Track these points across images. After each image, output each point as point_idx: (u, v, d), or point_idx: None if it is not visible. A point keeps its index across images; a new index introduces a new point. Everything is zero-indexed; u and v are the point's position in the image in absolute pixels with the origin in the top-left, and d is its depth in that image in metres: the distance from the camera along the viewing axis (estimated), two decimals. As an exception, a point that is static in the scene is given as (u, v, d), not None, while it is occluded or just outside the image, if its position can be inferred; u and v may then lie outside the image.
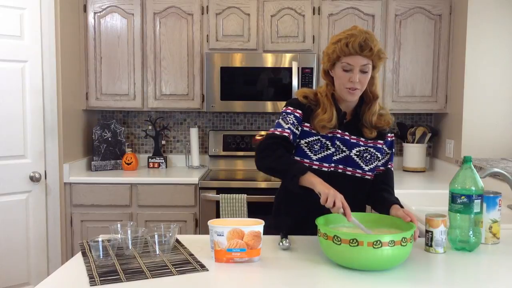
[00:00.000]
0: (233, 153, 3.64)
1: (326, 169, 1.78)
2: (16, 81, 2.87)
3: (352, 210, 1.66)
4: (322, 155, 1.78)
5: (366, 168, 1.80)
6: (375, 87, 1.78)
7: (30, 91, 2.93)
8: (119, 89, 3.40)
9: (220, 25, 3.34)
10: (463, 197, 1.57)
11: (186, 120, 3.76)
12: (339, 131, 1.78)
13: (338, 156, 1.78)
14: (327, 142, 1.78)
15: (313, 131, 1.78)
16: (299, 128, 1.79)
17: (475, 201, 1.57)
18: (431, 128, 3.56)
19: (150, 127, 3.66)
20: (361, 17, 3.31)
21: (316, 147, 1.78)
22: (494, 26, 3.04)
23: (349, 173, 1.79)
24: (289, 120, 1.78)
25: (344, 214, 1.54)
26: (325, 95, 1.78)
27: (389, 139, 1.86)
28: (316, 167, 1.78)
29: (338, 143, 1.78)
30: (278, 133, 1.75)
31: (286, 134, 1.75)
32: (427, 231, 1.58)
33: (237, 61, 3.32)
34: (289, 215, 1.86)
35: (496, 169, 2.14)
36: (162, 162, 3.59)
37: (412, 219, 1.54)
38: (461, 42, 3.13)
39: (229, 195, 3.02)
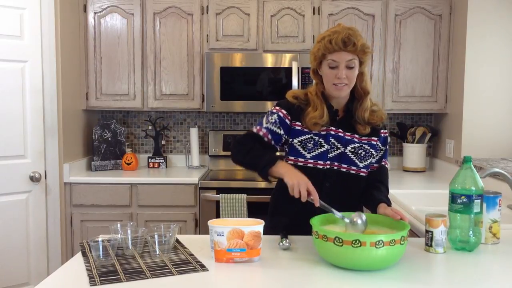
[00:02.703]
0: (233, 153, 3.64)
1: (321, 167, 1.79)
2: (16, 81, 2.87)
3: (347, 207, 1.67)
4: (316, 152, 1.78)
5: (361, 165, 1.81)
6: (365, 83, 1.79)
7: (30, 91, 2.93)
8: (119, 89, 3.40)
9: (220, 25, 3.34)
10: (463, 197, 1.57)
11: (186, 120, 3.76)
12: (333, 128, 1.79)
13: (333, 153, 1.79)
14: (320, 140, 1.78)
15: (305, 129, 1.79)
16: (282, 128, 1.80)
17: (475, 201, 1.57)
18: (431, 128, 3.56)
19: (150, 127, 3.66)
20: (361, 17, 3.31)
21: (309, 145, 1.79)
22: (494, 26, 3.04)
23: (344, 170, 1.80)
24: (270, 119, 1.80)
25: (312, 200, 1.57)
26: (315, 93, 1.80)
27: (382, 135, 1.86)
28: (311, 165, 1.78)
29: (332, 140, 1.79)
30: (254, 131, 1.81)
31: (261, 134, 1.79)
32: (427, 231, 1.58)
33: (237, 61, 3.32)
34: (285, 214, 1.86)
35: (496, 169, 2.14)
36: (162, 162, 3.59)
37: (401, 217, 1.55)
38: (461, 42, 3.13)
39: (229, 195, 3.02)
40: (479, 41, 3.05)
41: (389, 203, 1.72)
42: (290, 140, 1.81)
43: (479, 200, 1.58)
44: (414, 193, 2.67)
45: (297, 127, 1.80)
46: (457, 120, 3.20)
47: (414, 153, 3.50)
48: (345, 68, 1.69)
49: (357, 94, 1.80)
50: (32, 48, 2.92)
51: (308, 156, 1.79)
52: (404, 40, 3.32)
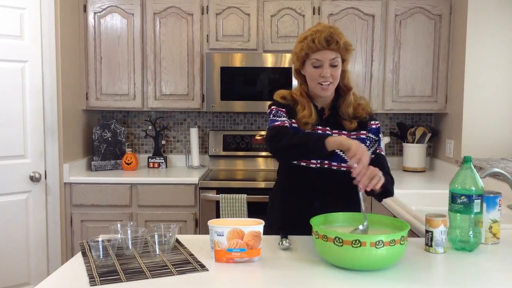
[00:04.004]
0: (233, 153, 3.64)
1: (314, 166, 1.79)
2: (16, 81, 2.87)
3: (342, 204, 1.68)
4: None
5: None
6: (348, 80, 1.81)
7: (30, 91, 2.93)
8: (119, 89, 3.40)
9: (220, 25, 3.34)
10: (463, 197, 1.57)
11: (186, 120, 3.76)
12: (320, 127, 1.80)
13: None
14: None
15: (300, 128, 1.80)
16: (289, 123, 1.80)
17: (475, 201, 1.57)
18: (431, 128, 3.56)
19: (150, 127, 3.66)
20: (361, 17, 3.31)
21: None
22: (494, 26, 3.04)
23: (335, 168, 1.80)
24: (281, 114, 1.79)
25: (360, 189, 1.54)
26: (300, 94, 1.82)
27: (373, 126, 1.85)
28: (304, 164, 1.79)
29: None
30: (279, 123, 1.75)
31: (287, 124, 1.76)
32: (427, 231, 1.58)
33: (237, 61, 3.32)
34: (282, 212, 1.87)
35: (496, 169, 2.14)
36: (162, 162, 3.59)
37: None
38: (461, 42, 3.13)
39: (229, 195, 3.02)
40: (479, 41, 3.05)
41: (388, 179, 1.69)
42: None
43: (479, 200, 1.58)
44: (414, 193, 2.67)
45: (294, 125, 1.80)
46: (457, 120, 3.20)
47: (414, 153, 3.50)
48: (329, 66, 1.71)
49: (341, 91, 1.82)
50: (32, 48, 2.92)
51: None
52: (404, 40, 3.32)
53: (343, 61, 1.75)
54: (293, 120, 1.81)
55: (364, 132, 1.83)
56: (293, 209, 1.80)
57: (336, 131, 1.80)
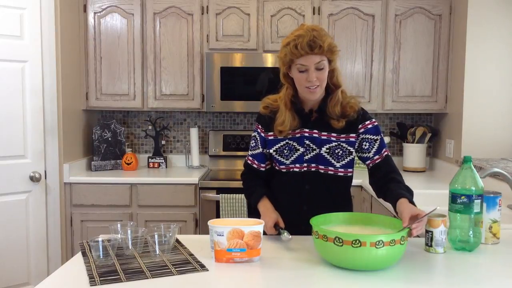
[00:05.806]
0: (233, 153, 3.64)
1: (298, 170, 1.80)
2: (16, 81, 2.87)
3: (330, 207, 1.68)
4: (294, 157, 1.80)
5: (338, 165, 1.79)
6: (336, 79, 1.78)
7: (30, 91, 2.93)
8: (119, 89, 3.40)
9: (220, 25, 3.34)
10: (463, 197, 1.57)
11: (186, 120, 3.76)
12: (307, 130, 1.79)
13: (309, 155, 1.79)
14: (294, 144, 1.79)
15: (278, 137, 1.81)
16: (260, 145, 1.87)
17: (475, 201, 1.57)
18: (431, 128, 3.56)
19: (150, 127, 3.66)
20: (361, 17, 3.32)
21: (285, 151, 1.80)
22: (494, 26, 3.04)
23: (322, 171, 1.80)
24: (252, 143, 1.92)
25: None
26: (283, 99, 1.81)
27: (370, 126, 1.81)
28: (291, 169, 1.81)
29: (307, 142, 1.79)
30: (249, 162, 1.93)
31: (250, 162, 1.92)
32: (427, 231, 1.58)
33: (237, 61, 3.32)
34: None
35: (496, 169, 2.15)
36: (162, 162, 3.59)
37: (411, 226, 1.47)
38: (461, 42, 3.13)
39: (229, 195, 3.02)
40: (479, 41, 3.05)
41: (410, 197, 1.65)
42: (268, 150, 1.85)
43: (479, 200, 1.58)
44: (414, 193, 2.66)
45: (270, 137, 1.84)
46: (457, 120, 3.20)
47: (414, 153, 3.50)
48: (315, 70, 1.68)
49: (330, 90, 1.79)
50: (32, 48, 2.92)
51: (287, 162, 1.81)
52: (404, 40, 3.32)
53: (330, 61, 1.71)
54: (270, 133, 1.83)
55: (354, 135, 1.80)
56: (281, 212, 1.79)
57: (325, 134, 1.79)
